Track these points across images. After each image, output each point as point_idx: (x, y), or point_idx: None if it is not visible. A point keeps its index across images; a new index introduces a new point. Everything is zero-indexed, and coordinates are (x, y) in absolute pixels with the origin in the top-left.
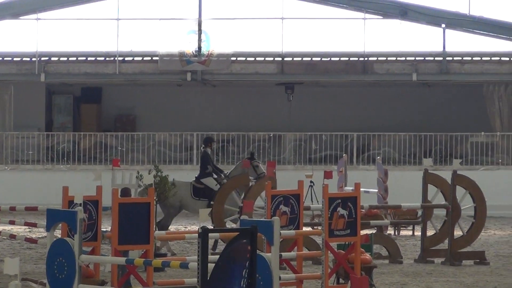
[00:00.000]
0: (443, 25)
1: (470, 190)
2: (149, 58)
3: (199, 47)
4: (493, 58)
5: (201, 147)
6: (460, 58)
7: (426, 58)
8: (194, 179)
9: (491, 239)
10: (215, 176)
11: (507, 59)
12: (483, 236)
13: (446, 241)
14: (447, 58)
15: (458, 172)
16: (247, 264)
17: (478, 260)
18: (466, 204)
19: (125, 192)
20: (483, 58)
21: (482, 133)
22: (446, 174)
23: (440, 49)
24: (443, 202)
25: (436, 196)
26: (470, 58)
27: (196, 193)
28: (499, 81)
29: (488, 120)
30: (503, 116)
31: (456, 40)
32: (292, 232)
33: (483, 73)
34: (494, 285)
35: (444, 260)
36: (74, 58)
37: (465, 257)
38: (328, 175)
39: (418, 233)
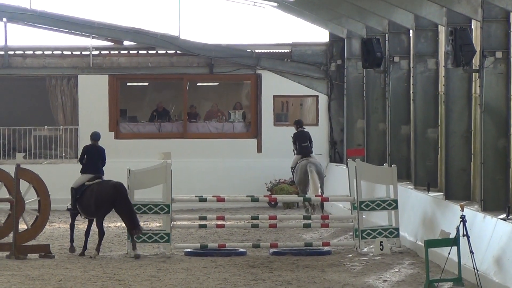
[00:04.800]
0: (5, 19)
1: (33, 184)
2: None
3: None
4: (55, 52)
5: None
6: (22, 52)
7: None
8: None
9: (56, 233)
10: None
11: (69, 53)
12: (48, 229)
13: (11, 234)
14: (9, 52)
15: (22, 166)
16: None
17: (43, 254)
18: (30, 197)
19: None
20: (45, 52)
21: (46, 126)
22: (9, 168)
23: (2, 43)
24: (6, 195)
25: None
26: (32, 52)
27: None
28: (61, 74)
29: (51, 114)
30: (66, 110)
31: (18, 34)
32: None
33: (45, 67)
34: (60, 278)
35: (9, 254)
36: None
37: (30, 250)
38: None
39: None
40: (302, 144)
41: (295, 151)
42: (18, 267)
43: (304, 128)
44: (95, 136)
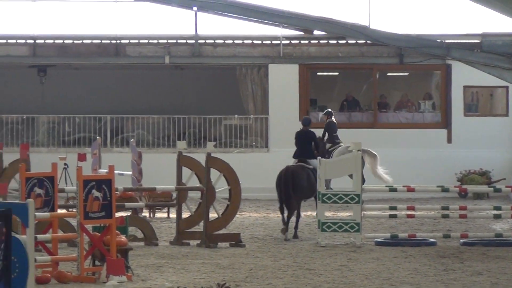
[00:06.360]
0: (195, 8)
1: (224, 173)
2: None
3: None
4: (245, 41)
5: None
6: (213, 41)
7: (179, 41)
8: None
9: (246, 221)
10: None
11: (259, 42)
12: (238, 218)
13: (202, 223)
14: (200, 41)
15: (212, 155)
16: (2, 246)
17: (233, 242)
18: (221, 186)
19: None
20: (236, 41)
21: (236, 115)
22: (200, 156)
23: (193, 32)
24: (197, 184)
25: (190, 179)
26: (222, 41)
27: None
28: (251, 64)
29: (241, 103)
30: (256, 99)
31: (208, 23)
32: (47, 214)
33: (236, 56)
34: (250, 267)
35: (199, 242)
36: None
37: (220, 239)
38: (82, 157)
39: (173, 215)
40: (333, 134)
41: (326, 140)
42: (209, 255)
43: (333, 119)
44: (304, 121)
